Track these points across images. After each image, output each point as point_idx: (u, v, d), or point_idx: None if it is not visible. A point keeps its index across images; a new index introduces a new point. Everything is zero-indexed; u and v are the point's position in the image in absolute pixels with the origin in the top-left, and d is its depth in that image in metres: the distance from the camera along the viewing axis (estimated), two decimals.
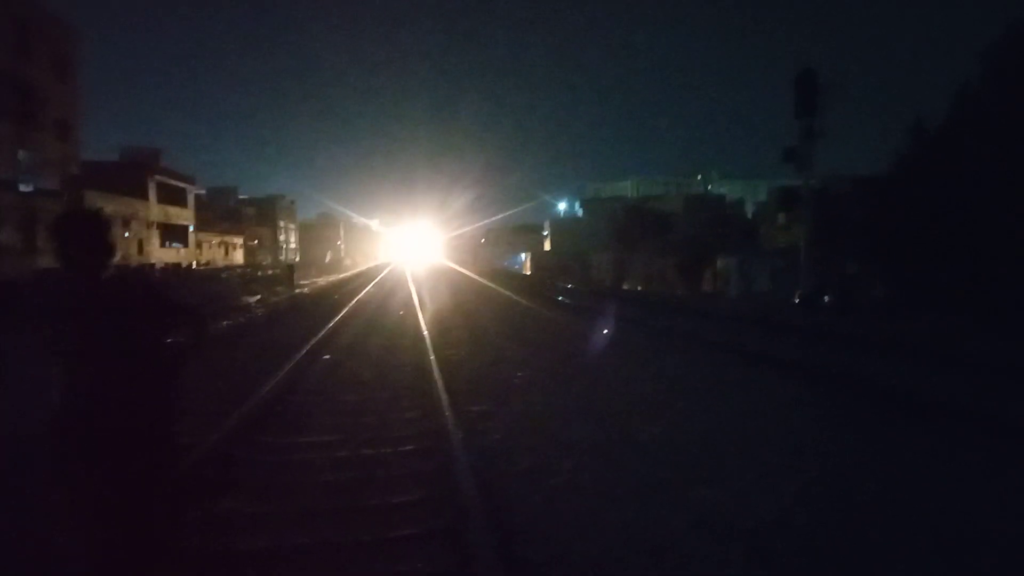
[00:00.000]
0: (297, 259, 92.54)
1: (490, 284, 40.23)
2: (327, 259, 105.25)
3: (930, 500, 5.45)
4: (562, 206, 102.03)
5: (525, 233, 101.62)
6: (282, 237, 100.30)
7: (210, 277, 40.47)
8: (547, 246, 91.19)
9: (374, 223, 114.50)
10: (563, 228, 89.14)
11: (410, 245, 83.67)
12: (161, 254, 54.06)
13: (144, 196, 52.37)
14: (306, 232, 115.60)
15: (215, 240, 71.53)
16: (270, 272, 49.44)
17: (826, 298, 26.60)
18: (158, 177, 55.34)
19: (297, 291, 31.38)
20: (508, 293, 31.35)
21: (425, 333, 14.32)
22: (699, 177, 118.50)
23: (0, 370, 7.32)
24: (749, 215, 67.00)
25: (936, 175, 23.47)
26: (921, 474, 6.11)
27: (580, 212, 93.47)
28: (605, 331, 16.32)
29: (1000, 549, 4.63)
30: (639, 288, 51.83)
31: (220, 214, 77.93)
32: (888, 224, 25.82)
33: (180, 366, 3.38)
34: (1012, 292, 19.62)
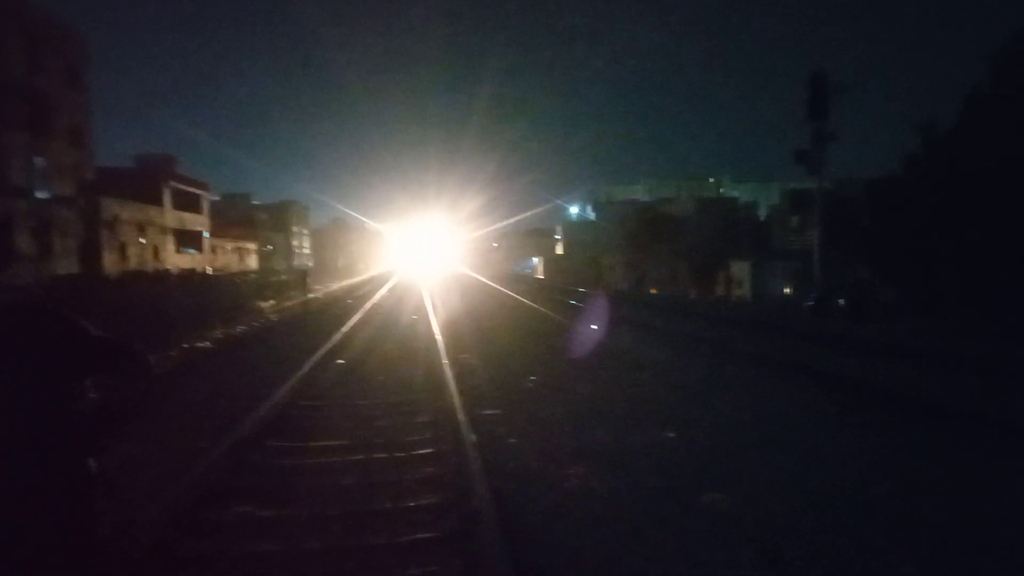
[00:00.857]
0: (311, 264, 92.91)
1: (503, 289, 40.20)
2: (340, 264, 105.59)
3: None
4: (574, 210, 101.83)
5: (537, 237, 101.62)
6: (295, 242, 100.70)
7: (224, 282, 40.69)
8: (559, 250, 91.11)
9: (386, 228, 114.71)
10: (575, 232, 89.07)
11: (422, 250, 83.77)
12: (176, 260, 54.39)
13: (159, 202, 52.73)
14: (319, 237, 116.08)
15: (229, 246, 71.90)
16: (284, 277, 49.65)
17: (840, 302, 26.44)
18: (173, 183, 55.72)
19: (311, 296, 31.51)
20: (524, 300, 31.29)
21: (438, 338, 14.31)
22: (711, 180, 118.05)
23: None
24: (762, 218, 66.65)
25: (946, 178, 23.31)
26: None
27: (592, 216, 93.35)
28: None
29: None
30: (652, 291, 51.68)
31: (234, 220, 78.32)
32: (897, 227, 25.67)
33: (99, 441, 2.37)
34: None
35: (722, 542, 4.67)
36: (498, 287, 42.12)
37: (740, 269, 46.63)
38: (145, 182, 51.68)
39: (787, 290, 39.03)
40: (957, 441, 7.29)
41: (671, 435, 7.41)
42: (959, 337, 16.37)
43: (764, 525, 4.94)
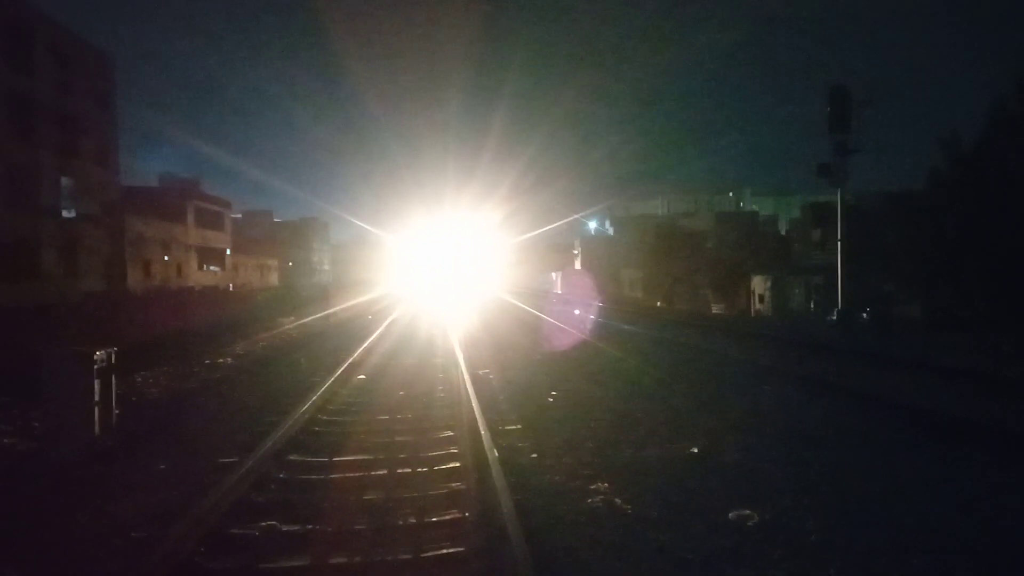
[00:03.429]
0: (331, 280, 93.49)
1: (522, 305, 40.14)
2: (360, 279, 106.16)
3: None
4: (592, 225, 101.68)
5: (556, 252, 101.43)
6: (316, 259, 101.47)
7: (246, 299, 41.07)
8: (577, 265, 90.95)
9: (404, 244, 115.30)
10: (594, 246, 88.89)
11: (441, 265, 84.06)
12: (199, 277, 54.96)
13: (183, 221, 53.42)
14: (339, 253, 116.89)
15: (251, 263, 72.60)
16: (304, 293, 50.00)
17: (864, 314, 26.12)
18: (196, 202, 56.44)
19: (331, 311, 31.72)
20: (545, 317, 31.19)
21: (458, 354, 14.28)
22: (731, 194, 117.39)
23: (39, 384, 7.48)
24: (783, 231, 66.06)
25: (972, 193, 23.06)
26: None
27: (610, 230, 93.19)
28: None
29: None
30: (659, 304, 51.40)
31: (256, 237, 79.14)
32: (924, 242, 25.40)
33: None
34: None
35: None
36: (517, 303, 42.03)
37: (761, 284, 46.27)
38: (169, 201, 52.43)
39: (811, 305, 38.61)
40: None
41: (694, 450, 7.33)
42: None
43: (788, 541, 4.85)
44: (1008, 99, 24.08)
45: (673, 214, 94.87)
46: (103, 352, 7.50)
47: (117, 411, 7.90)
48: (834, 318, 26.28)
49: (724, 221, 67.73)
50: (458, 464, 6.82)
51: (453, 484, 6.24)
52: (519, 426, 8.56)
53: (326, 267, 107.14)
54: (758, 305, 45.53)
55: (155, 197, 51.41)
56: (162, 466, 6.84)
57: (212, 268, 59.50)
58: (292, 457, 7.14)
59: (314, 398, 9.57)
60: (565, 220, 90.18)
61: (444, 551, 4.71)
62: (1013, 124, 23.34)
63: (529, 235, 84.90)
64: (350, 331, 23.12)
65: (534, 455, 7.23)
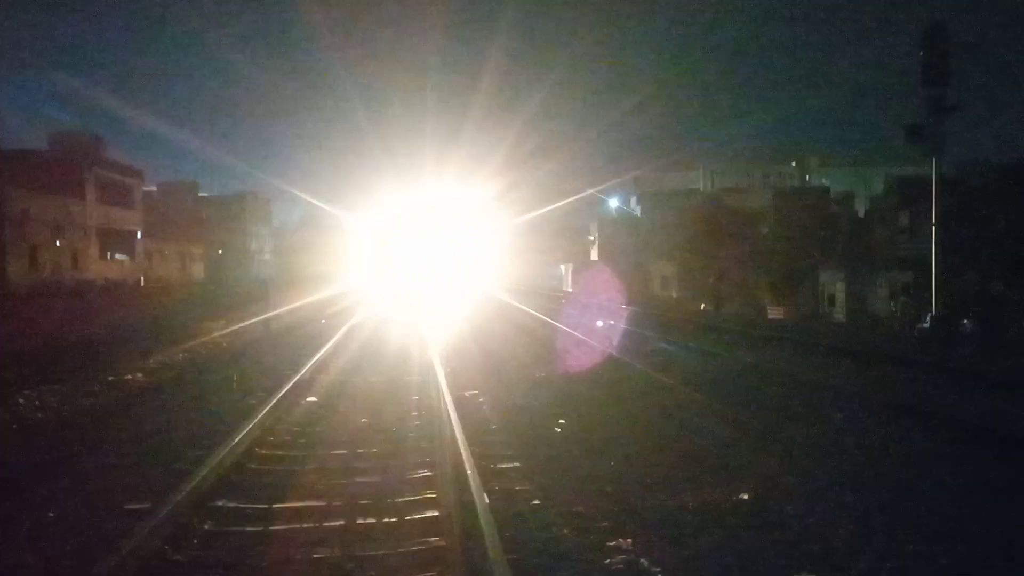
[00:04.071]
0: (274, 273, 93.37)
1: (529, 309, 40.14)
2: (312, 272, 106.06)
3: None
4: (614, 203, 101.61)
5: (565, 238, 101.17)
6: (254, 245, 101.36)
7: (163, 297, 41.03)
8: (594, 255, 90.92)
9: (371, 228, 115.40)
10: (615, 231, 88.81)
11: (417, 256, 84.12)
12: (101, 268, 54.90)
13: (81, 195, 53.35)
14: (285, 239, 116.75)
15: (169, 250, 72.62)
16: (238, 290, 49.99)
17: (965, 322, 26.19)
18: (98, 170, 56.32)
19: (274, 314, 31.70)
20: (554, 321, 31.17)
21: (440, 376, 14.32)
22: (793, 164, 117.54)
23: None
24: (861, 214, 66.23)
25: None
26: None
27: (637, 210, 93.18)
28: None
29: None
30: (703, 307, 51.53)
31: (175, 217, 79.15)
32: None
33: None
34: None
35: None
36: (515, 304, 42.03)
37: (832, 280, 46.44)
38: (62, 169, 52.27)
39: (896, 308, 38.75)
40: None
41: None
42: None
43: None
44: None
45: (718, 189, 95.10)
46: None
47: None
48: (926, 326, 26.34)
49: (784, 199, 67.93)
50: (436, 513, 6.82)
51: (430, 539, 6.24)
52: (516, 464, 8.58)
53: (267, 256, 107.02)
54: (828, 308, 45.69)
55: (44, 164, 51.34)
56: (51, 514, 6.83)
57: (118, 256, 59.53)
58: (220, 503, 7.15)
59: (250, 426, 9.56)
60: (578, 196, 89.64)
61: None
62: None
63: (530, 216, 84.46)
64: (298, 340, 23.14)
65: (535, 501, 7.24)
